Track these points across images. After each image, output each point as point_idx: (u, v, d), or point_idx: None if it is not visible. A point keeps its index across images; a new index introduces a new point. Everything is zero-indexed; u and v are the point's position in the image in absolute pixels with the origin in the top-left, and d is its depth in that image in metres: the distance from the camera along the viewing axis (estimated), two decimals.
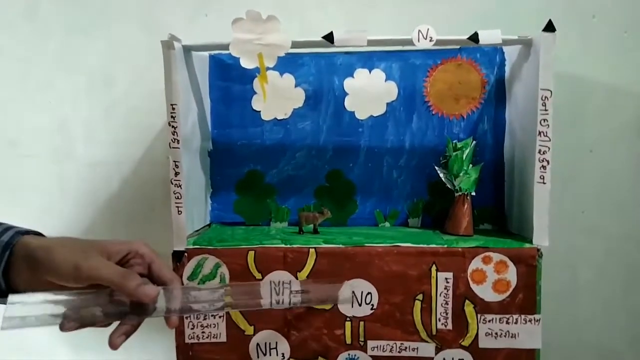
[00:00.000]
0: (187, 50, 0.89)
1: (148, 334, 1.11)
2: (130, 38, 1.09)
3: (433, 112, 0.99)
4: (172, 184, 0.86)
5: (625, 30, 1.02)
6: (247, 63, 0.86)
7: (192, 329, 0.85)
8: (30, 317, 0.45)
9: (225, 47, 0.85)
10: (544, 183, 0.81)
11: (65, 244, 0.49)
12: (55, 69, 1.11)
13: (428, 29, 0.83)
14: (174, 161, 0.85)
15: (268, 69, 0.89)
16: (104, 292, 0.49)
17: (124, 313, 0.50)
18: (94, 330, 0.50)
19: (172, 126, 0.85)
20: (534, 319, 0.81)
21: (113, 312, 0.49)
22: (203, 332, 0.85)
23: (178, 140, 0.85)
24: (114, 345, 0.48)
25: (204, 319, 0.85)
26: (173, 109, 0.84)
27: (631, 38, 1.02)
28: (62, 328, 0.47)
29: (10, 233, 0.48)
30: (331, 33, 0.84)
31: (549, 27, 0.79)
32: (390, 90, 0.99)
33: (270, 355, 0.84)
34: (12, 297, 0.45)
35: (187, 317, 0.84)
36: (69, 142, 1.12)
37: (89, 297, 0.48)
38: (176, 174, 0.86)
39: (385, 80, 0.99)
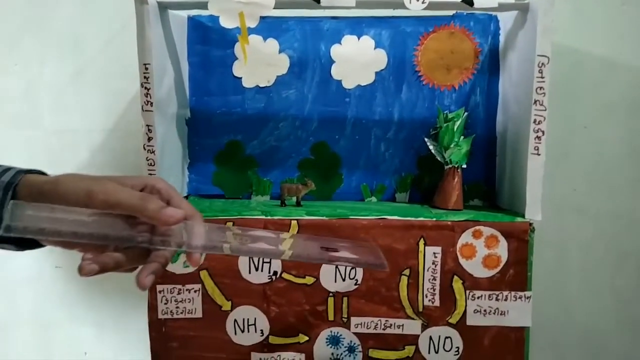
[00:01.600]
0: (163, 7, 0.83)
1: (122, 309, 1.08)
2: None
3: (424, 83, 0.95)
4: (145, 150, 0.80)
5: (622, 3, 0.99)
6: (227, 22, 0.80)
7: (165, 303, 0.80)
8: (34, 229, 0.39)
9: (204, 5, 0.80)
10: (538, 154, 0.77)
11: (75, 175, 0.43)
12: (21, 31, 1.03)
13: None
14: (147, 125, 0.80)
15: (250, 30, 0.83)
16: (120, 218, 0.42)
17: (145, 242, 0.42)
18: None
19: (145, 87, 0.79)
20: (525, 296, 0.78)
21: (127, 236, 0.42)
22: (177, 307, 0.80)
23: (151, 103, 0.79)
24: (142, 284, 0.41)
25: (178, 293, 0.80)
26: (146, 69, 0.79)
27: (628, 10, 0.99)
28: (82, 271, 0.40)
29: (12, 173, 0.43)
30: None
31: None
32: (379, 59, 0.95)
33: (248, 331, 0.80)
34: (16, 204, 0.39)
35: (160, 290, 0.79)
36: (35, 108, 1.05)
37: (105, 220, 0.41)
38: (149, 139, 0.80)
39: (375, 48, 0.94)
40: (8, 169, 0.44)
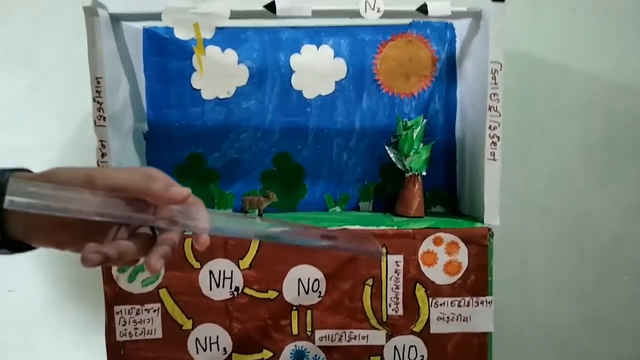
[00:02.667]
0: (116, 19, 0.81)
1: (81, 333, 1.04)
2: (56, 8, 0.98)
3: (383, 91, 0.95)
4: (99, 166, 0.78)
5: (573, 9, 1.02)
6: (182, 34, 0.79)
7: (123, 325, 0.77)
8: (38, 205, 0.36)
9: (159, 17, 0.78)
10: (494, 160, 0.78)
11: (68, 167, 0.41)
12: None
13: (375, 0, 0.79)
14: (100, 140, 0.77)
15: (207, 41, 0.82)
16: (123, 201, 0.39)
17: (151, 220, 0.40)
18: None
19: (97, 102, 0.77)
20: (486, 301, 0.78)
21: (134, 216, 0.39)
22: (136, 329, 0.77)
23: (104, 118, 0.77)
24: (153, 268, 0.39)
25: (137, 313, 0.77)
26: (98, 82, 0.77)
27: (579, 16, 1.02)
28: (85, 260, 0.37)
29: None
30: (273, 2, 0.78)
31: None
32: (339, 68, 0.95)
33: (210, 350, 0.78)
34: (17, 181, 0.36)
35: (117, 311, 0.76)
36: None
37: (110, 200, 0.39)
38: (103, 154, 0.78)
39: (334, 57, 0.95)
40: None
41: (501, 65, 0.77)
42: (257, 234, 0.43)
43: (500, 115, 0.77)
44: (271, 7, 0.79)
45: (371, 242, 0.49)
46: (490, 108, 0.77)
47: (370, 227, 0.78)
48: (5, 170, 0.41)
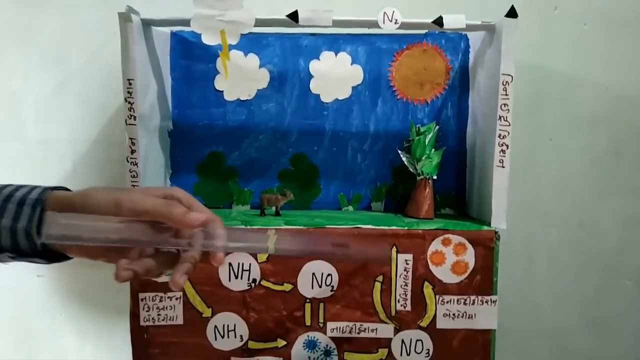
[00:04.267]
0: (147, 24, 0.86)
1: (104, 318, 1.09)
2: (85, 11, 1.04)
3: (398, 97, 0.99)
4: (128, 162, 0.83)
5: (584, 23, 1.05)
6: (209, 40, 0.84)
7: (147, 311, 0.82)
8: (71, 236, 0.42)
9: (187, 23, 0.83)
10: (502, 167, 0.82)
11: (101, 188, 0.46)
12: (5, 42, 1.05)
13: (393, 12, 0.83)
14: (130, 138, 0.82)
15: (231, 45, 0.87)
16: (147, 225, 0.45)
17: (172, 244, 0.45)
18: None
19: (129, 102, 0.82)
20: (491, 300, 0.82)
21: (157, 240, 0.45)
22: (159, 315, 0.83)
23: (135, 117, 0.82)
24: (177, 284, 0.44)
25: (160, 300, 0.82)
26: (130, 84, 0.82)
27: (590, 30, 1.05)
28: (117, 277, 0.43)
29: (39, 190, 0.45)
30: (296, 12, 0.83)
31: (511, 13, 0.80)
32: (356, 74, 0.99)
33: (228, 337, 0.83)
34: (52, 216, 0.42)
35: (142, 298, 0.82)
36: (18, 120, 1.06)
37: (134, 226, 0.44)
38: (132, 151, 0.83)
39: (351, 64, 0.99)
40: (34, 187, 0.46)
41: (512, 77, 0.81)
42: (270, 249, 0.47)
43: (509, 125, 0.81)
44: (294, 17, 0.83)
45: (381, 247, 0.53)
46: (500, 118, 0.81)
47: (382, 227, 0.83)
48: (47, 189, 0.46)
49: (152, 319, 0.83)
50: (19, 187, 0.45)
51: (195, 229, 0.45)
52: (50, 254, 0.46)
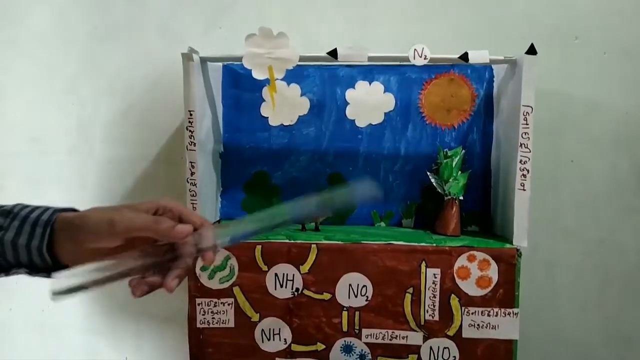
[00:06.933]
0: (204, 61, 0.98)
1: (159, 320, 1.21)
2: (149, 46, 1.17)
3: (427, 122, 1.08)
4: (188, 182, 0.94)
5: (604, 52, 1.11)
6: (258, 74, 0.95)
7: (203, 315, 0.93)
8: (76, 286, 0.48)
9: (239, 59, 0.94)
10: (523, 190, 0.89)
11: (98, 208, 0.52)
12: (79, 73, 1.19)
13: (423, 48, 0.92)
14: (190, 162, 0.94)
15: (277, 79, 0.98)
16: (140, 248, 0.50)
17: (164, 257, 0.50)
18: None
19: (190, 131, 0.93)
20: (513, 313, 0.90)
21: (152, 261, 0.50)
22: (213, 318, 0.93)
23: (195, 144, 0.94)
24: (169, 287, 0.49)
25: (214, 306, 0.93)
26: (190, 115, 0.93)
27: (610, 58, 1.11)
28: (135, 293, 0.49)
29: (50, 212, 0.53)
30: (335, 50, 0.93)
31: (531, 50, 0.88)
32: (388, 101, 1.08)
33: (273, 340, 0.93)
34: (56, 274, 0.48)
35: (198, 303, 0.93)
36: (88, 140, 1.20)
37: (124, 258, 0.49)
38: (192, 173, 0.94)
39: (384, 92, 1.08)
40: (47, 208, 0.52)
41: (532, 108, 0.88)
42: (264, 227, 0.52)
43: (530, 152, 0.89)
44: (333, 54, 0.93)
45: (369, 187, 0.55)
46: (521, 145, 0.89)
47: (412, 243, 0.91)
48: (56, 210, 0.52)
49: (207, 321, 0.93)
50: (34, 209, 0.52)
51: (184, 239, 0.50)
52: (62, 268, 0.50)
